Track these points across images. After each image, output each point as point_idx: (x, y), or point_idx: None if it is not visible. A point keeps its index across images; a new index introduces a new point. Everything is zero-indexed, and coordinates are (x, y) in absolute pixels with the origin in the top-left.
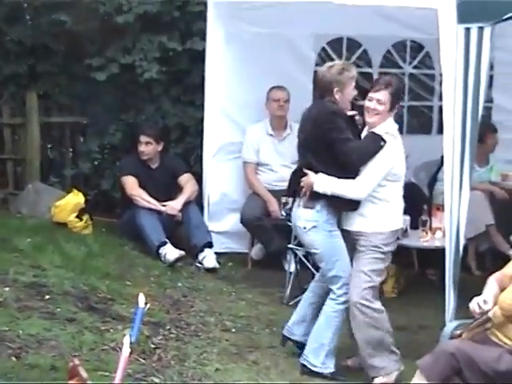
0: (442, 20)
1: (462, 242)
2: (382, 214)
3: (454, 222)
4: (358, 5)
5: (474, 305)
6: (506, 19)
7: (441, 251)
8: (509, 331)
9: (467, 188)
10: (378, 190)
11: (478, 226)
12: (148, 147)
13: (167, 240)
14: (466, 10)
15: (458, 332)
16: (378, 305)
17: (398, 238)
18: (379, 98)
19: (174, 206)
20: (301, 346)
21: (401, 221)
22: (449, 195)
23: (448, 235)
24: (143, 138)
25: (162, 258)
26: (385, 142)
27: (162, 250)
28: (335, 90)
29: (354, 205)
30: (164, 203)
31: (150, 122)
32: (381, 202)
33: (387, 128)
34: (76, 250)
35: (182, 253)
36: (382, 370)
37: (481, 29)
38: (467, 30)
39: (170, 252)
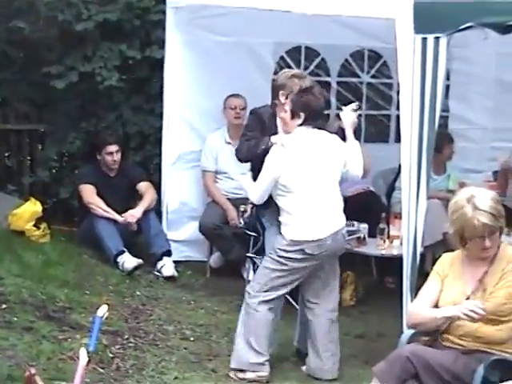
0: (399, 30)
1: (419, 249)
2: (284, 223)
3: (412, 230)
4: (316, 14)
5: None
6: (462, 30)
7: (399, 259)
8: (458, 331)
9: (424, 196)
10: (279, 199)
11: (435, 234)
12: (117, 155)
13: (125, 249)
14: (422, 20)
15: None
16: (254, 302)
17: (310, 254)
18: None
19: (133, 214)
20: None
21: (308, 233)
22: (406, 203)
23: (405, 243)
24: (113, 147)
25: (120, 267)
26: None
27: (120, 259)
28: (280, 92)
29: None
30: (123, 213)
31: (110, 130)
32: (283, 212)
33: (283, 137)
34: (34, 258)
35: (140, 261)
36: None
37: (437, 39)
38: (424, 39)
39: (128, 260)
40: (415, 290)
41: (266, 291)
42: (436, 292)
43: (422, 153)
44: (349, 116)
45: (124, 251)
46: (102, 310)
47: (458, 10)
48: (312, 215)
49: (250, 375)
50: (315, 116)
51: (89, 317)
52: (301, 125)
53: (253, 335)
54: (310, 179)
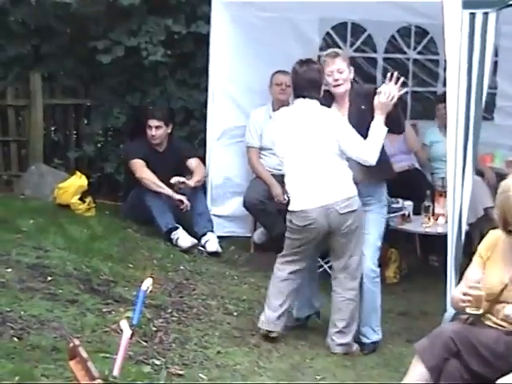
0: (447, 5)
1: (464, 227)
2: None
3: (457, 207)
4: None
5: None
6: (511, 5)
7: (443, 237)
8: (500, 313)
9: (470, 174)
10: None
11: (477, 211)
12: (158, 131)
13: (179, 225)
14: None
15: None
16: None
17: (296, 225)
18: None
19: (184, 181)
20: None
21: (293, 204)
22: (451, 180)
23: (450, 221)
24: (153, 122)
25: (174, 242)
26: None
27: (174, 235)
28: None
29: None
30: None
31: (157, 105)
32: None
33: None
34: (79, 232)
35: (195, 241)
36: None
37: (486, 14)
38: (472, 15)
39: (183, 238)
40: (460, 269)
41: (284, 255)
42: (479, 275)
43: (468, 130)
44: (382, 97)
45: (178, 227)
46: (146, 284)
47: None
48: (297, 186)
49: (262, 332)
50: (302, 88)
51: (132, 290)
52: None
53: (268, 293)
54: (296, 149)
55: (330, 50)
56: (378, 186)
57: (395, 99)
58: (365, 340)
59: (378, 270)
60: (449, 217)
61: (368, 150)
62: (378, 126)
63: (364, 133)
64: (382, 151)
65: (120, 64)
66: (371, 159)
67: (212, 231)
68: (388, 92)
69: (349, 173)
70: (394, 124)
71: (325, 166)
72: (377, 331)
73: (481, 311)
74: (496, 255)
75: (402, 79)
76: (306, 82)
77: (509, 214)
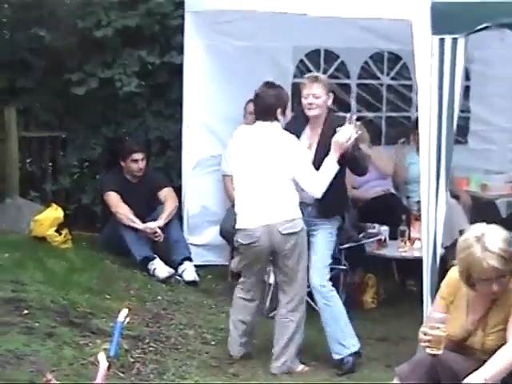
0: (416, 31)
1: (440, 251)
2: None
3: (431, 230)
4: (331, 16)
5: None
6: (479, 30)
7: (420, 261)
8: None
9: (443, 196)
10: None
11: (452, 234)
12: (143, 163)
13: (155, 255)
14: (440, 21)
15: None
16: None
17: (240, 243)
18: None
19: (152, 227)
20: None
21: (239, 222)
22: (425, 204)
23: (425, 244)
24: (138, 155)
25: (151, 273)
26: None
27: (151, 266)
28: None
29: None
30: (146, 224)
31: (133, 136)
32: None
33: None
34: (56, 264)
35: (172, 271)
36: None
37: (455, 40)
38: (441, 40)
39: (160, 269)
40: (436, 293)
41: (241, 276)
42: (441, 315)
43: (440, 152)
44: (339, 137)
45: (155, 257)
46: (123, 315)
47: (476, 11)
48: (244, 204)
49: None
50: (259, 112)
51: (110, 322)
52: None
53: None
54: (246, 168)
55: (310, 74)
56: (335, 218)
57: (351, 140)
58: (336, 356)
59: (328, 284)
60: (423, 240)
61: (316, 184)
62: (330, 163)
63: None
64: (341, 187)
65: (95, 96)
66: (317, 193)
67: (190, 258)
68: (345, 132)
69: (295, 195)
70: (352, 165)
71: (271, 187)
72: (346, 346)
73: (440, 352)
74: (459, 301)
75: (357, 123)
76: (261, 107)
77: (472, 270)
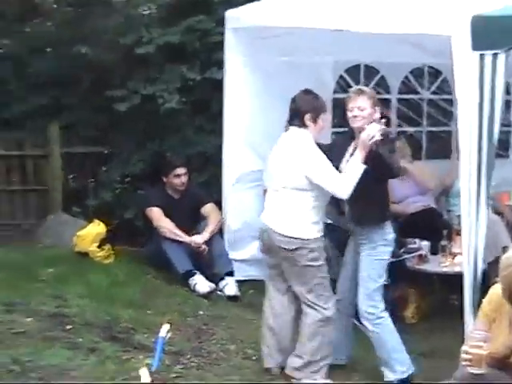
0: (456, 47)
1: (481, 266)
2: None
3: (472, 246)
4: (371, 32)
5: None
6: None
7: (462, 276)
8: None
9: (484, 212)
10: None
11: (493, 250)
12: (185, 178)
13: (196, 271)
14: (479, 37)
15: None
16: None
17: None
18: None
19: (198, 241)
20: None
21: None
22: (466, 219)
23: (465, 260)
24: (181, 170)
25: (192, 288)
26: None
27: (192, 281)
28: None
29: None
30: (191, 238)
31: (175, 152)
32: None
33: None
34: (98, 279)
35: (213, 286)
36: None
37: (495, 55)
38: (481, 56)
39: (201, 284)
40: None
41: None
42: (483, 334)
43: (480, 169)
44: (365, 135)
45: (195, 273)
46: (165, 330)
47: None
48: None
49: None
50: (290, 116)
51: (152, 337)
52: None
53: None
54: (269, 176)
55: (355, 87)
56: (372, 229)
57: (374, 139)
58: (386, 379)
59: (375, 311)
60: (464, 255)
61: (340, 185)
62: (355, 163)
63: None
64: (377, 197)
65: (137, 112)
66: (342, 194)
67: (232, 271)
68: (369, 131)
69: (304, 213)
70: (378, 163)
71: (282, 195)
72: (397, 371)
73: (483, 371)
74: (502, 318)
75: (383, 120)
76: (292, 111)
77: None
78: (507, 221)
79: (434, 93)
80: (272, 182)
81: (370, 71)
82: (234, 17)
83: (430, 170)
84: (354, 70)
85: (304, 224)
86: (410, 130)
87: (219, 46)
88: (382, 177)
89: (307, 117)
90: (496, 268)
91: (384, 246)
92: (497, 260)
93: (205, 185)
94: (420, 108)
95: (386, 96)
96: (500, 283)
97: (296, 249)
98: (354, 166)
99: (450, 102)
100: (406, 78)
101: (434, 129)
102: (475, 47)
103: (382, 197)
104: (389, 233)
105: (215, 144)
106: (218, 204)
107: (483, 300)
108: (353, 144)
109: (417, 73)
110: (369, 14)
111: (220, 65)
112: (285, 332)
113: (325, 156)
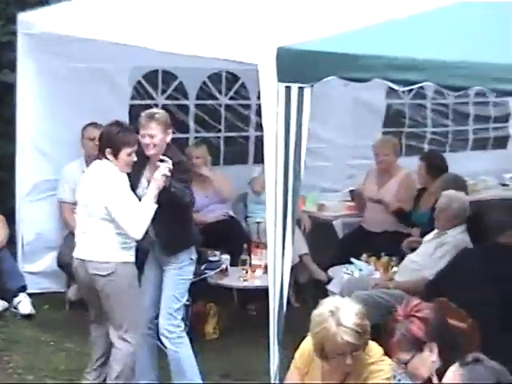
0: (263, 76)
1: (287, 281)
2: None
3: (278, 261)
4: (175, 53)
5: None
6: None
7: (261, 289)
8: None
9: (290, 225)
10: None
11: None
12: None
13: None
14: (285, 69)
15: None
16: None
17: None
18: None
19: None
20: None
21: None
22: (272, 233)
23: (271, 276)
24: None
25: None
26: None
27: None
28: None
29: None
30: None
31: None
32: None
33: None
34: None
35: (6, 304)
36: None
37: (301, 89)
38: (287, 88)
39: None
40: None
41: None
42: None
43: (287, 188)
44: (158, 175)
45: None
46: None
47: (321, 62)
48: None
49: None
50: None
51: None
52: None
53: None
54: (79, 203)
55: (147, 112)
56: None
57: (165, 177)
58: None
59: (176, 329)
60: (269, 269)
61: (133, 226)
62: (147, 202)
63: None
64: (182, 223)
65: None
66: (135, 234)
67: (24, 286)
68: (162, 170)
69: (112, 238)
70: (172, 201)
71: (89, 225)
72: None
73: None
74: (314, 372)
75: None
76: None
77: (327, 344)
78: (304, 227)
79: (231, 98)
80: (79, 210)
81: (168, 77)
82: (26, 21)
83: (227, 178)
84: (151, 76)
85: (114, 248)
86: (209, 135)
87: (8, 46)
88: (177, 210)
89: (108, 151)
90: (293, 275)
91: (189, 265)
92: (294, 268)
93: None
94: (218, 113)
95: (185, 102)
96: (311, 339)
97: (110, 274)
98: (147, 206)
99: (248, 106)
100: (204, 83)
101: (231, 134)
102: (281, 79)
103: (186, 221)
104: (194, 252)
105: (6, 148)
106: (8, 212)
107: (295, 354)
108: (147, 168)
109: (214, 78)
110: (175, 34)
111: (10, 67)
112: None
113: (128, 190)
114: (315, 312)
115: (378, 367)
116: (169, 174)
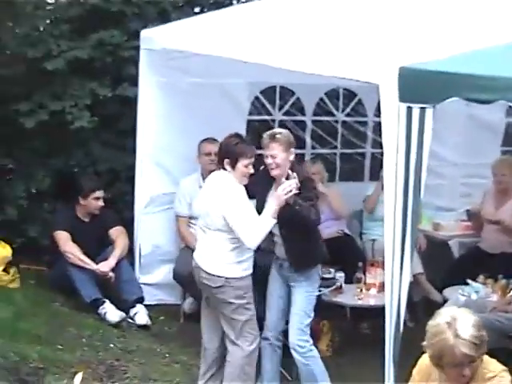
0: (384, 96)
1: (404, 302)
2: None
3: (396, 282)
4: (296, 71)
5: None
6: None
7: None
8: None
9: (409, 250)
10: None
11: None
12: (102, 201)
13: (105, 299)
14: (407, 89)
15: None
16: None
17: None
18: None
19: (104, 270)
20: None
21: None
22: (390, 253)
23: (388, 296)
24: (100, 193)
25: (102, 317)
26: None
27: (102, 310)
28: None
29: None
30: (98, 264)
31: (82, 167)
32: None
33: None
34: (2, 310)
35: (123, 315)
36: None
37: (423, 109)
38: (409, 108)
39: (111, 313)
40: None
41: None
42: None
43: (407, 207)
44: (280, 190)
45: (104, 301)
46: (77, 380)
47: (443, 82)
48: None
49: None
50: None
51: (63, 378)
52: None
53: None
54: (199, 213)
55: (269, 132)
56: (308, 268)
57: (290, 194)
58: None
59: (307, 344)
60: (387, 289)
61: (249, 235)
62: (266, 216)
63: None
64: (312, 240)
65: (44, 127)
66: (250, 244)
67: (142, 297)
68: (285, 186)
69: (225, 253)
70: (296, 220)
71: (210, 235)
72: None
73: None
74: None
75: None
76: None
77: (444, 356)
78: (419, 246)
79: (348, 115)
80: (199, 222)
81: (286, 92)
82: (148, 37)
83: (342, 196)
84: (269, 91)
85: (226, 263)
86: (325, 151)
87: (130, 61)
88: (304, 228)
89: (226, 161)
90: (409, 295)
91: (317, 281)
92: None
93: (112, 201)
94: (335, 129)
95: (302, 118)
96: (428, 350)
97: (219, 287)
98: (265, 219)
99: (364, 123)
100: (321, 99)
101: (347, 151)
102: (402, 99)
103: (316, 239)
104: (320, 268)
105: (124, 160)
106: (126, 223)
107: (413, 372)
108: (273, 188)
109: (332, 94)
110: (295, 51)
111: (131, 81)
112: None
113: (246, 200)
114: (431, 322)
115: (499, 382)
116: (294, 191)
